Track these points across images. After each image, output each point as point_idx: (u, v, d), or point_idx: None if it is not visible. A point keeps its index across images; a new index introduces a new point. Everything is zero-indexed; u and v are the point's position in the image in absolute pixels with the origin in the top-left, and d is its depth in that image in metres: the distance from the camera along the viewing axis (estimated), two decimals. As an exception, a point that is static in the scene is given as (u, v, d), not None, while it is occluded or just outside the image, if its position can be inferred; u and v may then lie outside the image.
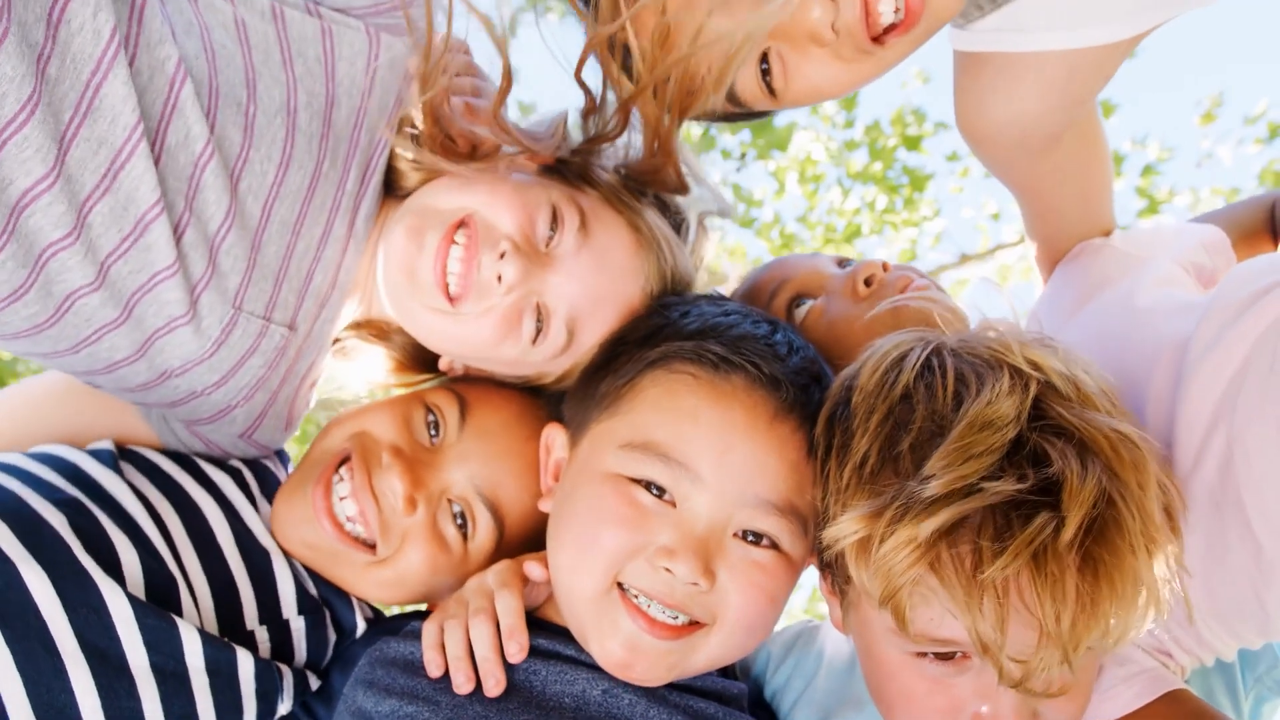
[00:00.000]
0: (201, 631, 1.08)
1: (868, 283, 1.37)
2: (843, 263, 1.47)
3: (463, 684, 1.07)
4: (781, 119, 7.25)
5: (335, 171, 1.17)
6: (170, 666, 1.05)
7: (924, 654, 0.98)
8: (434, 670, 1.10)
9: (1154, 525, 0.92)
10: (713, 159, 7.49)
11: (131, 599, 1.04)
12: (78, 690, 1.00)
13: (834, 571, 1.07)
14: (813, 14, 1.08)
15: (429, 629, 1.13)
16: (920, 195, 7.59)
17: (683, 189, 1.30)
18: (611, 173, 1.29)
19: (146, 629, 1.04)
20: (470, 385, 1.31)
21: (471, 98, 1.26)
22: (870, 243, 7.88)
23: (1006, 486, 0.89)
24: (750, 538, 1.06)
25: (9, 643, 0.97)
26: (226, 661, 1.09)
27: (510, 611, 1.11)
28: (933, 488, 0.90)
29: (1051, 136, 1.39)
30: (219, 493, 1.24)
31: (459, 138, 1.22)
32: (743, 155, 7.49)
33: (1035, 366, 0.98)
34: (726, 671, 1.24)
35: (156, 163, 1.02)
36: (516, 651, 1.09)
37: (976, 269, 7.83)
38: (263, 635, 1.19)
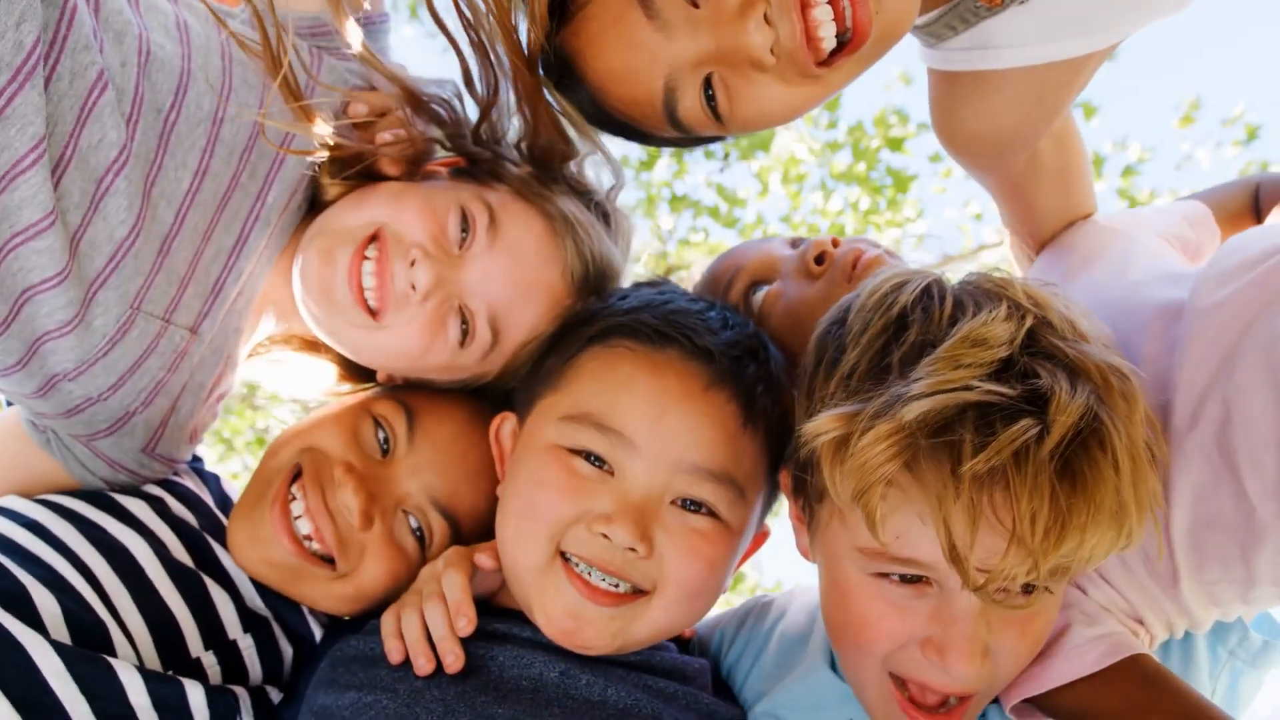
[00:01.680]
0: (140, 669, 1.05)
1: (819, 260, 1.38)
2: (796, 243, 1.47)
3: (423, 665, 1.09)
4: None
5: (254, 184, 1.17)
6: (115, 710, 1.02)
7: (885, 575, 0.99)
8: (395, 657, 1.11)
9: (1139, 451, 0.93)
10: (696, 159, 7.50)
11: (58, 647, 1.00)
12: None
13: (805, 490, 1.08)
14: (752, 39, 1.06)
15: (387, 619, 1.16)
16: (903, 196, 7.61)
17: (569, 150, 1.29)
18: (521, 164, 1.29)
19: (80, 677, 1.00)
20: (415, 393, 1.31)
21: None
22: (853, 243, 7.89)
23: (994, 387, 0.90)
24: (689, 505, 1.09)
25: None
26: (174, 695, 1.07)
27: (455, 587, 1.13)
28: (920, 386, 0.91)
29: (1027, 146, 1.40)
30: (141, 525, 1.22)
31: (360, 150, 1.22)
32: (726, 156, 7.50)
33: (1035, 303, 1.00)
34: (686, 649, 1.26)
35: (66, 166, 1.00)
36: (465, 626, 1.10)
37: (960, 269, 7.86)
38: (210, 660, 1.17)
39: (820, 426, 0.95)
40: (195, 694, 1.09)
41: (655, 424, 1.08)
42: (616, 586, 1.08)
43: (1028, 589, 0.98)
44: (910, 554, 0.96)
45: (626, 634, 1.11)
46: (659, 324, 1.14)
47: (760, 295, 1.41)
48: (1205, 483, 1.04)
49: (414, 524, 1.23)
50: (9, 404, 1.30)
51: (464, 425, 1.29)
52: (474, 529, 1.27)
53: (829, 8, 1.04)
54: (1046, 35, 1.23)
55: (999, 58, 1.25)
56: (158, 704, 1.05)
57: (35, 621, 1.02)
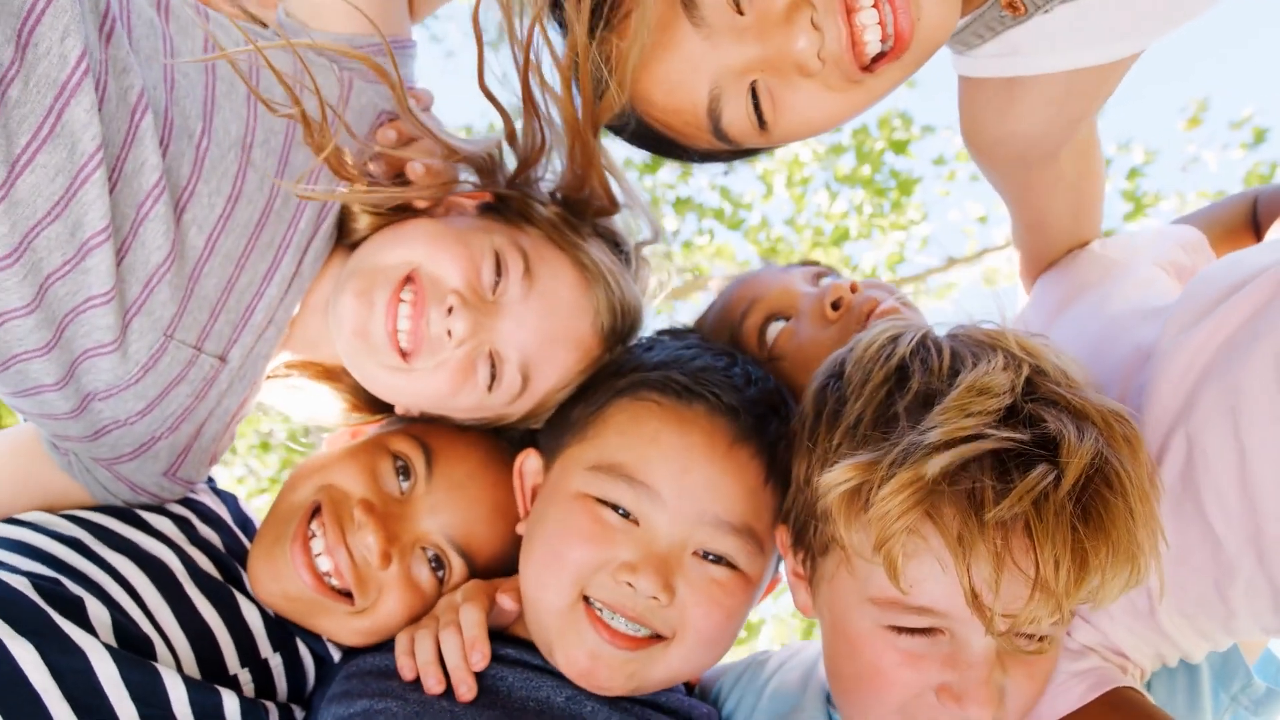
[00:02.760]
0: (185, 678, 1.07)
1: (835, 306, 1.37)
2: (819, 276, 1.47)
3: (433, 686, 1.11)
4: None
5: (287, 210, 1.17)
6: (159, 716, 1.04)
7: (897, 628, 0.99)
8: (407, 674, 1.14)
9: (1145, 490, 0.95)
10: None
11: (114, 654, 1.03)
12: None
13: (808, 544, 1.09)
14: (798, 44, 1.05)
15: (401, 638, 1.18)
16: (907, 199, 7.61)
17: (613, 207, 1.30)
18: (550, 206, 1.28)
19: (131, 683, 1.03)
20: (433, 430, 1.31)
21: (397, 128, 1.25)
22: (858, 246, 7.90)
23: (1008, 433, 0.91)
24: (709, 557, 1.12)
25: (5, 717, 0.95)
26: (212, 704, 1.09)
27: (473, 624, 1.15)
28: (935, 435, 0.91)
29: (1050, 153, 1.41)
30: (170, 541, 1.22)
31: (389, 177, 1.22)
32: (730, 158, 7.50)
33: (1028, 352, 1.02)
34: (690, 695, 1.27)
35: (112, 190, 1.01)
36: (479, 660, 1.12)
37: (963, 272, 7.85)
38: (245, 678, 1.19)
39: (837, 477, 0.96)
40: (231, 704, 1.11)
41: (681, 478, 1.10)
42: (637, 631, 1.11)
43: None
44: (927, 602, 0.96)
45: (642, 676, 1.13)
46: (687, 380, 1.17)
47: (775, 330, 1.41)
48: (1173, 520, 1.05)
49: (431, 555, 1.24)
50: (25, 421, 1.29)
51: (482, 464, 1.29)
52: (489, 565, 1.28)
53: (874, 12, 1.04)
54: (1072, 42, 1.23)
55: (1025, 64, 1.26)
56: (197, 712, 1.07)
57: (90, 631, 1.04)
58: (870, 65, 1.07)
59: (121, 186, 1.02)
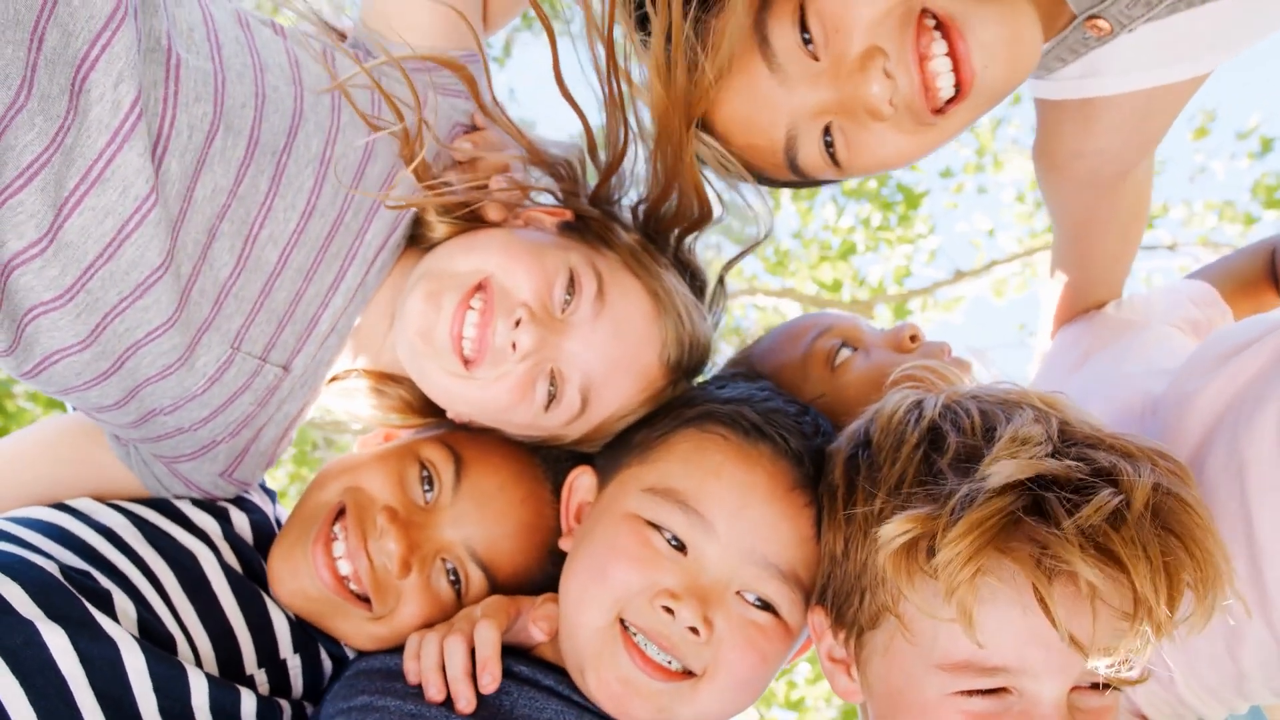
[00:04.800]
0: (208, 675, 1.08)
1: (913, 339, 1.42)
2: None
3: (433, 694, 1.10)
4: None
5: (356, 222, 1.17)
6: (177, 710, 1.05)
7: (965, 692, 0.95)
8: (412, 678, 1.13)
9: (1209, 511, 0.93)
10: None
11: (143, 646, 1.04)
12: None
13: (852, 621, 1.05)
14: (871, 90, 1.08)
15: (412, 640, 1.17)
16: (914, 212, 7.60)
17: (706, 216, 1.28)
18: (631, 233, 1.27)
19: (157, 677, 1.04)
20: (466, 440, 1.30)
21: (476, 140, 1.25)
22: (865, 259, 7.89)
23: (1068, 462, 0.90)
24: (752, 598, 1.10)
25: (32, 702, 0.96)
26: (230, 702, 1.09)
27: (487, 643, 1.13)
28: (995, 480, 0.90)
29: (1121, 173, 1.43)
30: (207, 538, 1.23)
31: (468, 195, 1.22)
32: (737, 173, 7.51)
33: (1050, 405, 1.02)
34: None
35: (183, 219, 1.02)
36: (489, 683, 1.10)
37: (971, 285, 7.83)
38: (262, 678, 1.19)
39: (894, 529, 0.93)
40: (249, 702, 1.11)
41: (738, 513, 1.10)
42: (670, 663, 1.09)
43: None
44: (1001, 659, 0.92)
45: (671, 712, 1.10)
46: (757, 419, 1.16)
47: (845, 355, 1.42)
48: None
49: (450, 567, 1.23)
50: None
51: (512, 479, 1.27)
52: (510, 583, 1.26)
53: (947, 59, 1.08)
54: (1156, 60, 1.25)
55: (1108, 84, 1.28)
56: (215, 708, 1.08)
57: (117, 624, 1.05)
58: (942, 108, 1.10)
59: (192, 214, 1.02)
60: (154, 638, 1.08)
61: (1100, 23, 1.17)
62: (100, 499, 1.24)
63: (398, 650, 1.19)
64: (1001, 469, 0.90)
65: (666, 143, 1.18)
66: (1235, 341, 1.14)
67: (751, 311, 7.68)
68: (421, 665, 1.13)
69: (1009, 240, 7.85)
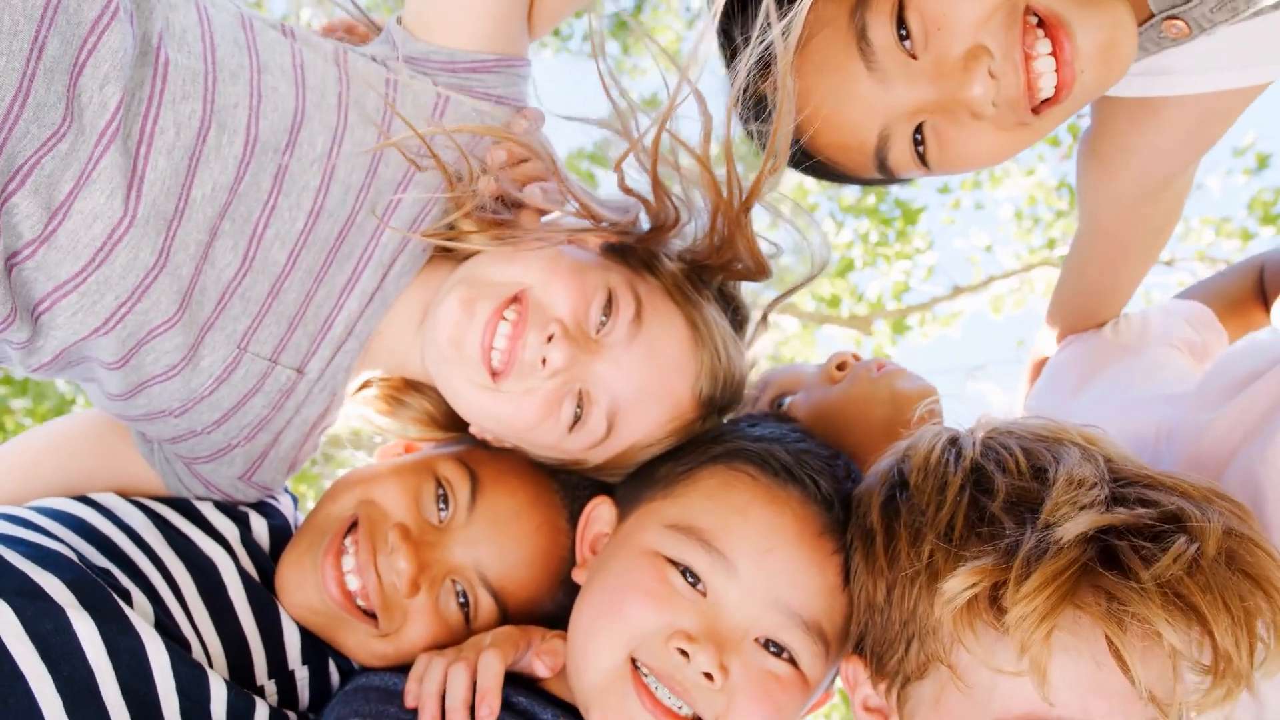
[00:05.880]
0: (227, 681, 1.08)
1: (840, 368, 1.45)
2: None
3: None
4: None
5: (369, 224, 1.15)
6: (197, 714, 1.04)
7: None
8: (410, 700, 1.10)
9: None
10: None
11: (168, 645, 1.03)
12: None
13: (895, 671, 1.01)
14: (974, 91, 1.07)
15: (419, 661, 1.15)
16: (912, 228, 7.62)
17: (761, 273, 1.25)
18: (676, 260, 1.24)
19: (180, 676, 1.03)
20: (485, 459, 1.28)
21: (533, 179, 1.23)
22: (863, 275, 7.91)
23: (1137, 510, 0.88)
24: (771, 648, 1.06)
25: (59, 689, 0.96)
26: (246, 710, 1.08)
27: (490, 674, 1.10)
28: (1070, 529, 0.86)
29: (1166, 179, 1.42)
30: (226, 544, 1.22)
31: (511, 209, 1.21)
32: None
33: (1090, 441, 0.99)
34: None
35: (180, 219, 1.01)
36: (487, 715, 1.07)
37: (970, 301, 7.85)
38: (271, 688, 1.18)
39: (960, 583, 0.89)
40: (262, 713, 1.10)
41: (762, 557, 1.05)
42: (680, 708, 1.04)
43: None
44: (1063, 713, 0.89)
45: None
46: (789, 460, 1.13)
47: (787, 402, 1.46)
48: None
49: (460, 589, 1.21)
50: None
51: (527, 507, 1.24)
52: (521, 610, 1.24)
53: (1050, 59, 1.06)
54: (1225, 63, 1.24)
55: (1176, 84, 1.27)
56: (231, 714, 1.07)
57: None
58: (1038, 108, 1.10)
59: (189, 214, 1.02)
60: (169, 639, 1.07)
61: (1178, 23, 1.15)
62: (123, 494, 1.24)
63: (401, 670, 1.18)
64: (1074, 521, 0.87)
65: (723, 224, 1.17)
66: (1245, 370, 1.13)
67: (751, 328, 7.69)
68: (422, 690, 1.10)
69: (1007, 256, 7.87)
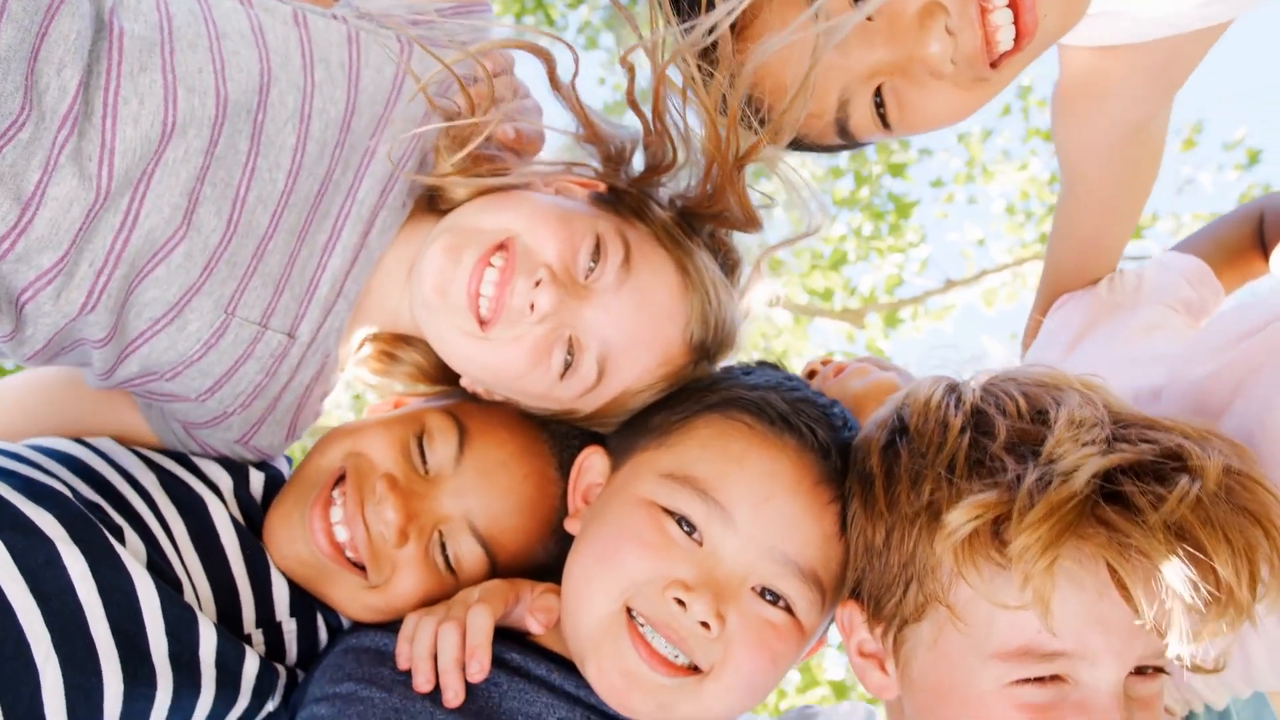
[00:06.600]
0: (217, 626, 1.07)
1: (809, 375, 1.45)
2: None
3: (421, 684, 1.07)
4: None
5: (346, 179, 1.14)
6: (185, 658, 1.03)
7: (1022, 680, 0.93)
8: (403, 662, 1.10)
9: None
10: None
11: (158, 586, 1.02)
12: (106, 675, 0.98)
13: (893, 614, 1.02)
14: (931, 49, 1.05)
15: (408, 621, 1.14)
16: (905, 221, 7.65)
17: (751, 225, 1.24)
18: (667, 207, 1.24)
19: (170, 617, 1.02)
20: (473, 411, 1.27)
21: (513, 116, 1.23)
22: (856, 269, 7.93)
23: (1140, 446, 0.88)
24: (768, 596, 1.06)
25: (48, 623, 0.95)
26: (235, 658, 1.08)
27: (479, 631, 1.10)
28: (1066, 462, 0.87)
29: (1141, 121, 1.42)
30: (219, 492, 1.22)
31: (497, 152, 1.20)
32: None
33: (1089, 389, 0.99)
34: None
35: (146, 188, 1.01)
36: (477, 671, 1.07)
37: (962, 294, 7.87)
38: (259, 638, 1.17)
39: (962, 516, 0.90)
40: (251, 663, 1.10)
41: (759, 506, 1.05)
42: (676, 657, 1.04)
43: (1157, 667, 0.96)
44: (1060, 645, 0.90)
45: (672, 709, 1.06)
46: (785, 409, 1.11)
47: None
48: None
49: (447, 548, 1.20)
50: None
51: (517, 454, 1.24)
52: (510, 562, 1.23)
53: (1007, 11, 1.05)
54: (1187, 3, 1.23)
55: (1137, 29, 1.26)
56: (220, 662, 1.06)
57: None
58: (997, 61, 1.08)
59: (166, 178, 1.01)
60: (160, 578, 1.06)
61: None
62: (120, 441, 1.24)
63: (390, 627, 1.17)
64: (1078, 457, 0.88)
65: (716, 173, 1.16)
66: (1236, 330, 1.13)
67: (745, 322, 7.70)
68: (414, 651, 1.10)
69: (999, 250, 7.90)
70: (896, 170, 7.52)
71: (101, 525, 1.02)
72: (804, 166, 1.29)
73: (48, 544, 0.97)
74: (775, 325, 7.55)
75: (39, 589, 0.95)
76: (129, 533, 1.06)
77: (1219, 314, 1.25)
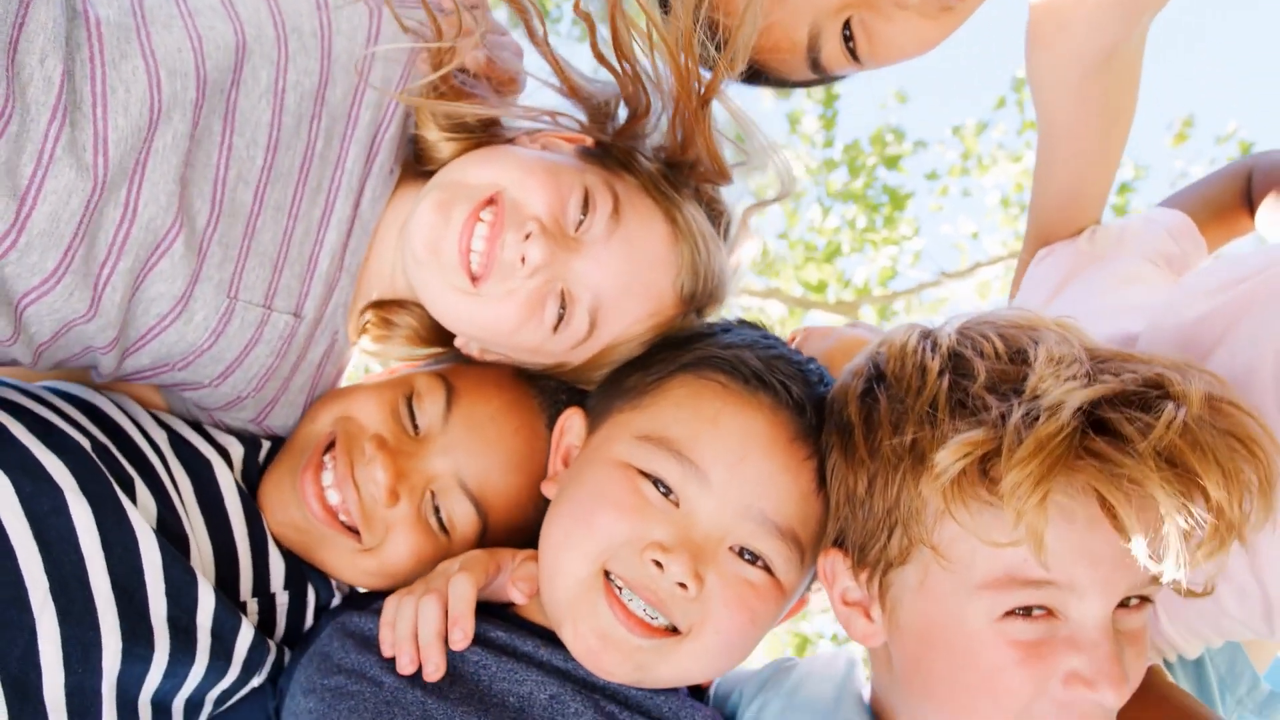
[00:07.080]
0: (217, 592, 1.06)
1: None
2: None
3: (405, 666, 1.06)
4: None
5: (331, 151, 1.14)
6: (183, 622, 1.03)
7: (1011, 613, 0.93)
8: (385, 649, 1.09)
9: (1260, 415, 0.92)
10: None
11: (161, 544, 1.02)
12: (104, 630, 0.97)
13: (876, 560, 1.02)
14: None
15: (388, 605, 1.13)
16: (900, 214, 7.66)
17: (721, 177, 1.25)
18: (653, 160, 1.24)
19: (171, 579, 1.02)
20: (463, 371, 1.28)
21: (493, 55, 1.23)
22: (850, 261, 7.95)
23: (1124, 376, 0.89)
24: (746, 555, 1.06)
25: (48, 571, 0.95)
26: (231, 627, 1.08)
27: (460, 599, 1.09)
28: (1051, 397, 0.88)
29: (1108, 49, 1.41)
30: (227, 456, 1.22)
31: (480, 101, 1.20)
32: (723, 174, 7.54)
33: (1065, 329, 1.00)
34: (702, 699, 1.21)
35: (141, 178, 1.01)
36: (460, 639, 1.07)
37: (956, 287, 7.90)
38: (253, 607, 1.17)
39: (953, 454, 0.89)
40: (246, 633, 1.09)
41: (735, 465, 1.05)
42: (654, 619, 1.04)
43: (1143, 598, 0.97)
44: (1044, 573, 0.90)
45: (649, 670, 1.06)
46: (759, 366, 1.11)
47: None
48: None
49: (440, 509, 1.20)
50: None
51: (504, 411, 1.24)
52: (502, 521, 1.23)
53: None
54: None
55: None
56: (216, 630, 1.06)
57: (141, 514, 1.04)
58: None
59: (154, 164, 1.01)
60: (170, 537, 1.06)
61: None
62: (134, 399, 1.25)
63: (378, 612, 1.15)
64: (1062, 390, 0.88)
65: (683, 116, 1.17)
66: (1241, 272, 1.13)
67: (737, 313, 7.72)
68: (396, 634, 1.09)
69: (993, 243, 7.93)
70: (891, 162, 7.54)
71: (113, 479, 1.02)
72: (790, 153, 1.31)
73: (56, 491, 0.97)
74: (769, 318, 7.57)
75: (42, 535, 0.95)
76: (140, 486, 1.06)
77: (1210, 263, 1.25)
